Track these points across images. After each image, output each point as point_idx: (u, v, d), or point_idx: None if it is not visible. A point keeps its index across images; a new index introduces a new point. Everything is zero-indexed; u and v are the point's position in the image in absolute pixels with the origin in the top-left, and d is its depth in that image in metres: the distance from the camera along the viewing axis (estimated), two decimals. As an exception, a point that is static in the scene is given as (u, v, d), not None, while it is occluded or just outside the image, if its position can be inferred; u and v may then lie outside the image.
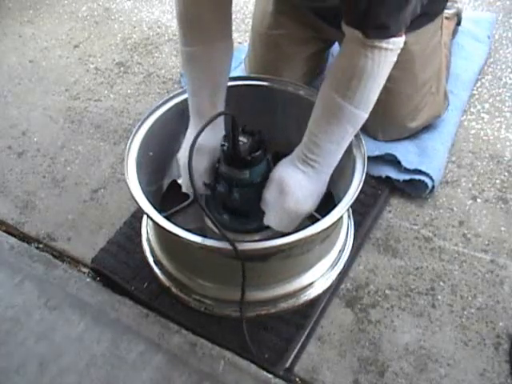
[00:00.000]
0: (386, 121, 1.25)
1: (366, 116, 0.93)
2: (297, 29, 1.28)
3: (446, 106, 1.31)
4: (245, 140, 0.93)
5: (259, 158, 0.95)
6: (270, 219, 0.97)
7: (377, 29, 0.86)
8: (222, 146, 0.95)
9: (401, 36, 0.89)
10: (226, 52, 1.03)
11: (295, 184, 0.94)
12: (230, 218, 1.02)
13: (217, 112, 0.94)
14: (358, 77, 0.89)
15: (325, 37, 1.30)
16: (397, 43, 0.89)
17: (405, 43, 0.91)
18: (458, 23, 1.55)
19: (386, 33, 0.87)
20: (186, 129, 1.06)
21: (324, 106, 0.94)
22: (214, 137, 1.00)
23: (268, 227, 0.99)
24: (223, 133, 1.03)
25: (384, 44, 0.87)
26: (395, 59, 0.91)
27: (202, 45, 0.99)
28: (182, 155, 1.04)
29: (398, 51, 0.91)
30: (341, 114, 0.91)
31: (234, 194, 0.98)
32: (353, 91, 0.89)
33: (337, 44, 1.37)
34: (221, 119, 1.03)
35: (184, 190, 1.06)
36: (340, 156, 0.96)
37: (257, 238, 1.01)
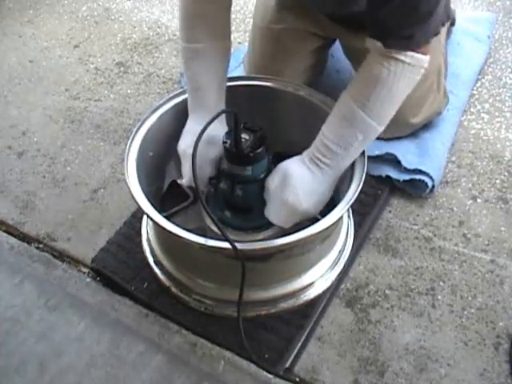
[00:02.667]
0: None
1: (378, 128, 0.94)
2: (298, 24, 1.28)
3: (445, 103, 1.32)
4: (247, 137, 0.94)
5: (261, 155, 0.96)
6: (270, 210, 0.98)
7: (397, 39, 0.88)
8: (224, 143, 0.96)
9: (424, 54, 0.90)
10: (229, 49, 1.07)
11: (298, 178, 0.95)
12: (232, 215, 1.03)
13: (222, 106, 1.02)
14: (373, 85, 0.91)
15: (327, 33, 1.30)
16: (416, 59, 0.90)
17: None
18: (452, 24, 1.55)
19: (407, 44, 0.88)
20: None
21: (338, 110, 0.96)
22: (222, 129, 1.03)
23: (270, 225, 1.00)
24: (226, 127, 1.04)
25: (402, 56, 0.88)
26: (417, 77, 0.93)
27: (209, 41, 1.02)
28: (189, 147, 1.02)
29: (421, 70, 0.92)
30: (352, 119, 0.93)
31: (237, 190, 0.99)
32: (366, 98, 0.91)
33: (337, 44, 1.37)
34: (223, 115, 1.05)
35: (185, 182, 1.05)
36: (348, 163, 0.97)
37: (258, 237, 1.01)
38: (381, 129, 0.95)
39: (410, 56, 0.89)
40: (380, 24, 0.89)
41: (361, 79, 0.95)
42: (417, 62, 0.90)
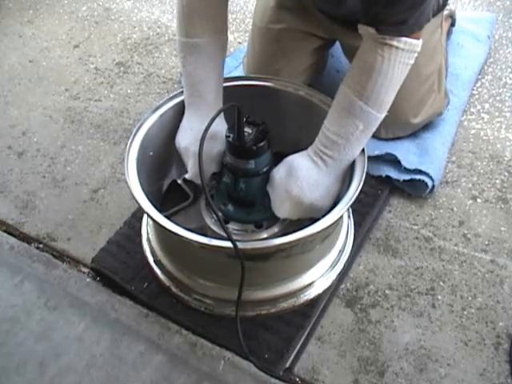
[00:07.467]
0: (390, 116, 1.25)
1: (377, 115, 0.94)
2: (298, 24, 1.28)
3: (446, 104, 1.32)
4: (249, 130, 0.95)
5: (264, 148, 0.96)
6: (274, 203, 0.99)
7: (390, 25, 0.88)
8: (227, 137, 0.96)
9: (416, 38, 0.91)
10: (226, 44, 1.08)
11: (303, 170, 0.96)
12: (235, 208, 1.03)
13: (220, 100, 1.03)
14: (368, 73, 0.91)
15: (326, 33, 1.30)
16: (410, 44, 0.90)
17: None
18: (453, 24, 1.56)
19: (400, 30, 0.88)
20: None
21: (337, 100, 0.97)
22: (223, 124, 1.03)
23: (273, 220, 1.00)
24: (226, 123, 1.05)
25: (395, 42, 0.89)
26: (411, 62, 0.93)
27: (208, 36, 1.03)
28: (191, 144, 1.04)
29: (414, 54, 0.92)
30: (350, 108, 0.93)
31: (240, 184, 0.99)
32: (362, 86, 0.92)
33: (337, 44, 1.37)
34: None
35: (190, 177, 1.06)
36: (352, 155, 0.97)
37: (260, 236, 1.01)
38: (381, 116, 0.95)
39: (403, 41, 0.89)
40: (373, 10, 0.89)
41: (356, 68, 0.95)
42: (410, 47, 0.90)
